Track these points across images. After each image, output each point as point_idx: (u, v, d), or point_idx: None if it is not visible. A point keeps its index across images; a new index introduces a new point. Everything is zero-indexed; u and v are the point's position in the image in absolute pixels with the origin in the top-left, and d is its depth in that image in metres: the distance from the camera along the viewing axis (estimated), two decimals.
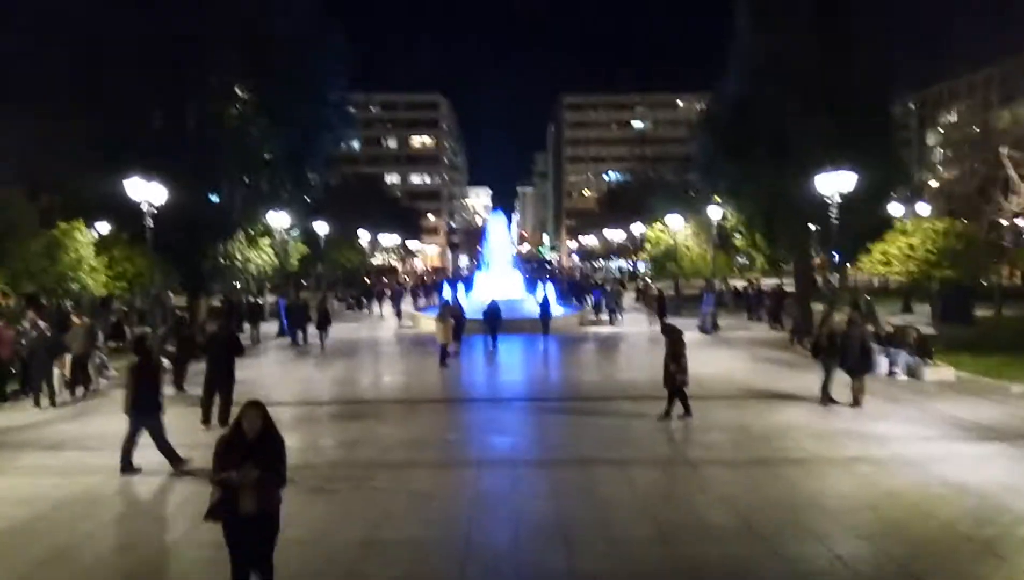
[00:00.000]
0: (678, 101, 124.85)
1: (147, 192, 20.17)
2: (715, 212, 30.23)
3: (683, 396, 13.24)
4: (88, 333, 16.46)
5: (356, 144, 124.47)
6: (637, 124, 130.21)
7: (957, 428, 12.40)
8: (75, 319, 16.59)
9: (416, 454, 11.21)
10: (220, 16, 27.91)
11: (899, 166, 30.21)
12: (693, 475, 9.92)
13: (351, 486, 9.59)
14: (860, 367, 14.17)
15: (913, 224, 21.11)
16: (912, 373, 17.62)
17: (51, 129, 22.36)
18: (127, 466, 10.24)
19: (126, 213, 21.70)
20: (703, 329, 28.81)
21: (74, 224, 19.49)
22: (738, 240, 31.21)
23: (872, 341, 14.59)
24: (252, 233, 31.28)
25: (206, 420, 12.99)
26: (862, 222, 25.23)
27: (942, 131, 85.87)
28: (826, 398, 14.51)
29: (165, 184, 23.55)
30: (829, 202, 20.56)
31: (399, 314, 34.67)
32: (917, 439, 11.71)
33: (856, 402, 14.20)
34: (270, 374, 19.79)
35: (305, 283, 52.26)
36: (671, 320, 30.24)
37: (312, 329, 27.08)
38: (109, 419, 12.80)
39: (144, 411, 10.25)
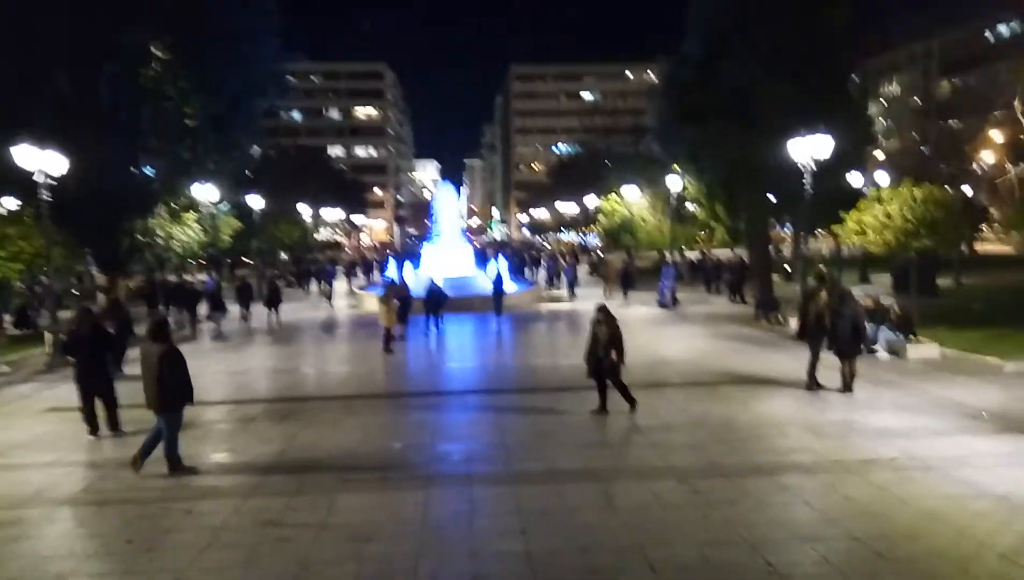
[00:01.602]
0: (628, 72, 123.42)
1: (41, 161, 17.53)
2: (674, 181, 28.75)
3: (623, 386, 11.63)
4: None
5: (296, 114, 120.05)
6: (587, 95, 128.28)
7: (963, 417, 11.08)
8: None
9: (350, 470, 9.29)
10: None
11: (865, 132, 29.19)
12: (685, 491, 8.26)
13: (257, 526, 7.62)
14: (852, 348, 12.77)
15: (889, 191, 19.85)
16: (894, 351, 16.44)
17: None
18: (180, 466, 9.15)
19: (29, 187, 19.00)
20: (662, 303, 27.47)
21: None
22: (698, 211, 29.86)
23: (863, 319, 13.14)
24: (175, 207, 28.51)
25: (94, 430, 10.85)
26: (828, 190, 24.09)
27: (884, 102, 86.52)
28: (813, 383, 13.11)
29: (72, 153, 20.87)
30: (803, 169, 19.12)
31: (328, 295, 31.90)
32: (925, 433, 10.32)
33: (847, 387, 12.84)
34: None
35: (246, 260, 49.33)
36: (623, 303, 28.98)
37: (259, 308, 25.84)
38: None
39: (178, 406, 9.12)
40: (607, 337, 11.43)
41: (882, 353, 16.41)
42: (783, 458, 9.38)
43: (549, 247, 63.14)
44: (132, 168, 26.72)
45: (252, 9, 28.94)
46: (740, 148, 26.17)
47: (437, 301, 21.94)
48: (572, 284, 31.42)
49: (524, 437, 10.60)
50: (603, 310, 11.71)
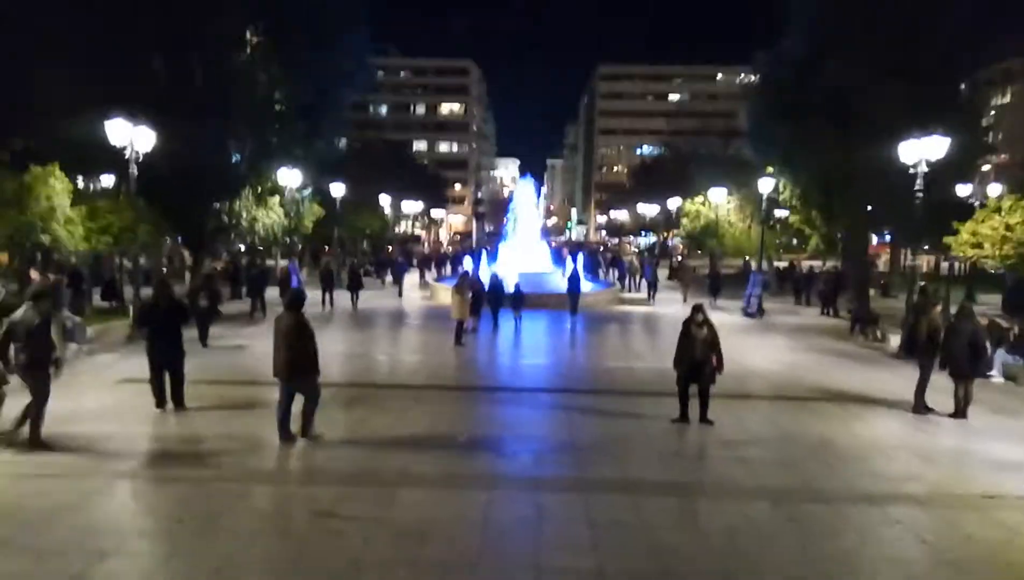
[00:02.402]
0: (718, 74, 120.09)
1: (132, 136, 17.84)
2: (766, 183, 27.29)
3: (708, 396, 10.70)
4: (53, 292, 14.16)
5: (383, 109, 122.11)
6: (674, 97, 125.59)
7: None
8: (34, 275, 14.33)
9: (412, 463, 8.76)
10: None
11: (978, 141, 27.08)
12: (779, 516, 7.36)
13: (311, 516, 7.15)
14: (969, 370, 11.45)
15: (1012, 201, 18.09)
16: (1010, 376, 14.86)
17: (33, 67, 20.04)
18: (287, 434, 9.27)
19: (124, 166, 19.44)
20: (748, 312, 26.09)
21: (49, 168, 17.18)
22: (791, 216, 28.32)
23: (984, 338, 11.78)
24: (260, 190, 28.91)
25: (160, 403, 10.71)
26: (936, 201, 22.34)
27: (994, 114, 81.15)
28: (922, 404, 11.85)
29: (164, 133, 21.30)
30: (915, 173, 17.58)
31: (400, 290, 31.12)
32: None
33: (960, 412, 11.52)
34: (264, 349, 17.43)
35: (328, 248, 50.09)
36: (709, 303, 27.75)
37: (340, 294, 26.31)
38: (68, 394, 10.61)
39: (307, 374, 9.21)
40: (709, 340, 10.54)
41: (997, 377, 14.85)
42: (892, 486, 8.33)
43: (614, 250, 61.83)
44: (221, 150, 27.16)
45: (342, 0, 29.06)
46: (840, 151, 24.69)
47: (497, 296, 21.10)
48: (652, 286, 30.28)
49: (597, 441, 9.85)
50: (702, 310, 10.82)
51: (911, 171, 18.08)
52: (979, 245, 17.73)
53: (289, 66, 27.95)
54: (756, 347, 18.78)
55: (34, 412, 8.84)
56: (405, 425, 10.42)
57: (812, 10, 25.35)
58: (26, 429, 8.92)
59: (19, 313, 8.87)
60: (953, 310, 13.16)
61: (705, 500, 7.72)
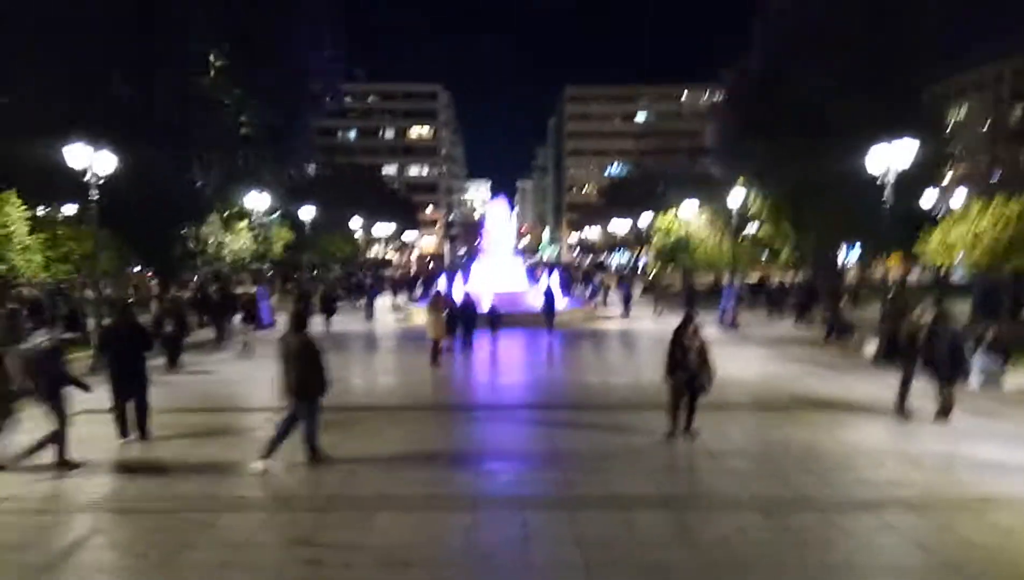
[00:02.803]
0: (683, 93, 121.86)
1: (92, 160, 17.32)
2: (736, 196, 27.44)
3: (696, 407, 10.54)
4: (8, 323, 13.62)
5: (352, 134, 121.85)
6: (641, 116, 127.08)
7: None
8: None
9: (390, 484, 8.41)
10: None
11: (942, 148, 27.55)
12: (773, 526, 7.13)
13: (284, 545, 6.78)
14: (951, 373, 11.39)
15: (979, 206, 18.30)
16: (989, 378, 14.86)
17: None
18: (320, 455, 9.21)
19: (85, 192, 18.89)
20: (722, 322, 26.08)
21: (4, 194, 16.60)
22: (761, 230, 28.49)
23: (964, 340, 11.76)
24: (227, 214, 28.42)
25: (124, 433, 10.22)
26: (902, 211, 22.57)
27: (953, 127, 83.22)
28: (904, 410, 11.76)
29: (126, 157, 20.79)
30: (883, 181, 17.69)
31: (369, 315, 29.86)
32: None
33: (944, 415, 11.45)
34: (235, 373, 16.94)
35: (297, 274, 49.42)
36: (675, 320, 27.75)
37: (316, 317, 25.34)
38: (26, 428, 10.04)
39: (315, 397, 9.09)
40: (702, 351, 10.33)
41: (974, 380, 14.86)
42: (882, 492, 8.15)
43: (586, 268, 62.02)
44: (186, 175, 26.70)
45: (310, 21, 28.90)
46: (808, 163, 24.95)
47: (470, 317, 20.63)
48: (627, 302, 30.25)
49: (581, 456, 9.57)
50: (694, 319, 10.64)
51: (878, 181, 18.22)
52: (949, 250, 17.87)
53: (255, 89, 27.69)
54: (733, 358, 18.65)
55: (61, 437, 9.06)
56: (381, 447, 10.05)
57: (777, 26, 25.72)
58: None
59: (29, 343, 9.20)
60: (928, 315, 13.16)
61: (696, 513, 7.47)
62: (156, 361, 17.10)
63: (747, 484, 8.44)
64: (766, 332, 25.06)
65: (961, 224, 17.73)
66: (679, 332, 10.50)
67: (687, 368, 10.26)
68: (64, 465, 8.98)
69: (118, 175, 21.55)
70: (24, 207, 17.01)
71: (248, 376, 16.67)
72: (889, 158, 17.53)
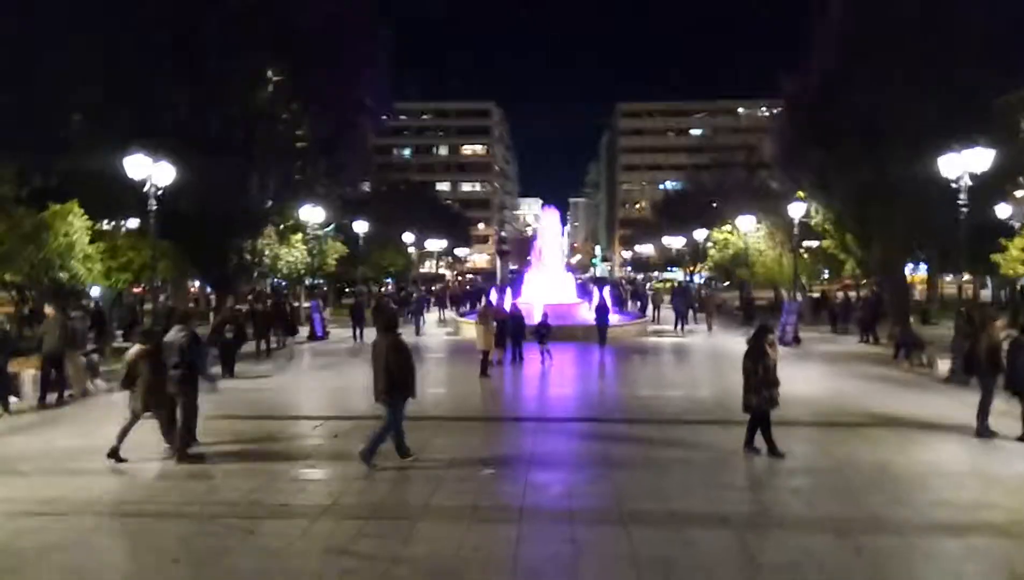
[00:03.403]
0: (739, 108, 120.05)
1: (152, 171, 17.68)
2: (797, 208, 26.53)
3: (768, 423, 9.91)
4: (62, 327, 13.83)
5: (407, 152, 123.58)
6: (695, 132, 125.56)
7: None
8: (48, 311, 14.01)
9: (436, 494, 8.08)
10: None
11: (1017, 158, 26.10)
12: (846, 549, 6.54)
13: (323, 554, 6.50)
14: None
15: None
16: None
17: (54, 103, 20.13)
18: (407, 452, 9.37)
19: (141, 202, 19.29)
20: (783, 341, 25.09)
21: (67, 205, 17.04)
22: (825, 241, 27.44)
23: None
24: (283, 227, 28.75)
25: (172, 440, 10.14)
26: (977, 222, 21.39)
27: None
28: (985, 429, 10.91)
29: (187, 169, 21.25)
30: (956, 186, 16.75)
31: (417, 328, 29.61)
32: None
33: None
34: (288, 383, 16.93)
35: (352, 288, 49.96)
36: (735, 335, 26.99)
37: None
38: (79, 432, 10.16)
39: (402, 396, 9.28)
40: (771, 363, 9.82)
41: None
42: (967, 515, 7.47)
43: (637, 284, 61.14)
44: (243, 188, 27.10)
45: (363, 37, 29.13)
46: (874, 172, 23.91)
47: (520, 327, 20.26)
48: (681, 317, 29.52)
49: (635, 471, 9.10)
50: (771, 329, 10.18)
51: (953, 185, 17.26)
52: None
53: (310, 103, 28.01)
54: (796, 374, 17.78)
55: (184, 427, 9.60)
56: (426, 456, 9.75)
57: (837, 29, 24.83)
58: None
59: (170, 334, 9.82)
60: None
61: (760, 533, 6.93)
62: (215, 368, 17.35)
63: (815, 503, 7.85)
64: (830, 348, 24.04)
65: None
66: (757, 346, 9.92)
67: (770, 384, 9.66)
68: (184, 457, 9.39)
69: (176, 188, 22.05)
70: (86, 217, 17.40)
71: (297, 385, 16.69)
72: (964, 163, 16.58)
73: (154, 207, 17.73)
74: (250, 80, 26.47)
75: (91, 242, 17.64)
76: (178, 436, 9.58)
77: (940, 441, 10.81)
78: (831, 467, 9.34)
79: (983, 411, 10.99)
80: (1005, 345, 11.17)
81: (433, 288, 53.86)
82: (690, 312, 31.58)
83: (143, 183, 17.89)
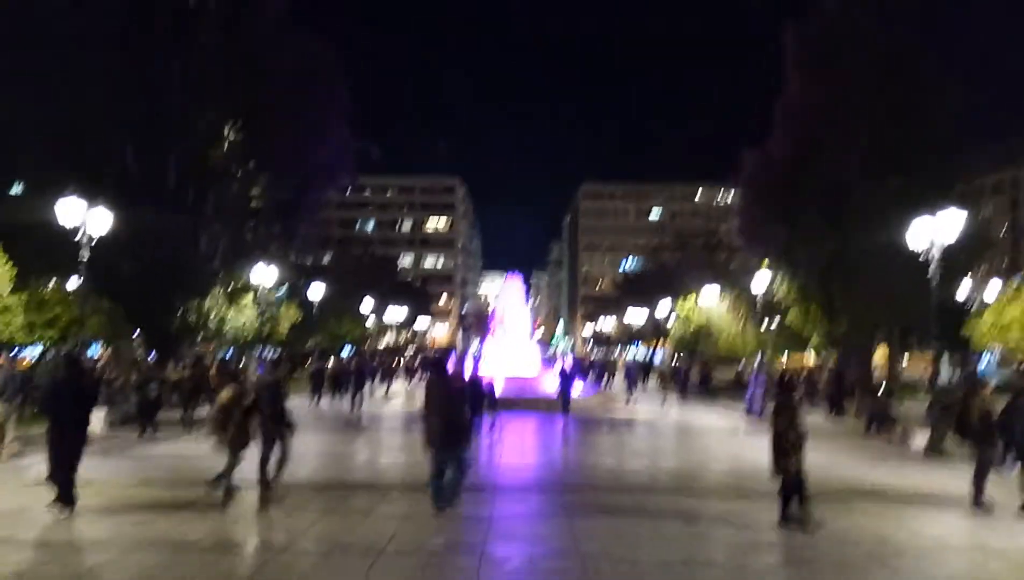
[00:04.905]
0: (698, 190, 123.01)
1: (85, 217, 16.46)
2: (762, 278, 26.20)
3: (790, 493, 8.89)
4: None
5: (370, 225, 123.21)
6: (655, 213, 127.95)
7: None
8: None
9: (371, 570, 6.80)
10: (209, 49, 25.13)
11: (983, 233, 26.40)
12: None
13: None
14: None
15: None
16: None
17: None
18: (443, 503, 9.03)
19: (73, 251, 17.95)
20: (750, 410, 24.25)
21: None
22: (789, 315, 27.06)
23: None
24: (232, 287, 27.34)
25: (68, 501, 8.71)
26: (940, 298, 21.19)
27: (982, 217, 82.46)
28: (981, 499, 10.02)
29: (131, 222, 20.15)
30: (926, 259, 16.37)
31: (352, 404, 23.93)
32: None
33: None
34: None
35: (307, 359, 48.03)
36: (698, 407, 26.27)
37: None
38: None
39: (467, 440, 9.29)
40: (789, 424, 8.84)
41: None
42: None
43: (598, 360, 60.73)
44: (192, 246, 25.89)
45: (325, 96, 28.73)
46: (837, 246, 23.85)
47: (476, 396, 18.87)
48: (631, 387, 29.03)
49: (606, 545, 7.92)
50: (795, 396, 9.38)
51: (921, 258, 16.91)
52: (1006, 329, 16.37)
53: (266, 163, 27.26)
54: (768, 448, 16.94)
55: (266, 460, 9.65)
56: (368, 527, 8.47)
57: (797, 109, 25.18)
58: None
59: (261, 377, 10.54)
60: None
61: None
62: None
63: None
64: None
65: (1016, 304, 16.29)
66: (787, 404, 9.00)
67: (798, 453, 8.68)
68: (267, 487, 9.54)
69: (121, 244, 20.78)
70: (10, 264, 15.97)
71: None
72: (934, 231, 16.29)
73: (86, 257, 16.43)
74: (207, 136, 25.70)
75: (13, 291, 16.14)
76: (275, 473, 9.75)
77: (936, 514, 9.91)
78: (827, 541, 8.28)
79: (979, 481, 10.12)
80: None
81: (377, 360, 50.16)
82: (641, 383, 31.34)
83: (76, 232, 16.64)
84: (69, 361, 9.91)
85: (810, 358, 36.62)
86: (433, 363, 10.13)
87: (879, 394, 22.81)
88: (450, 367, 20.94)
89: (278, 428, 9.89)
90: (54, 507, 8.70)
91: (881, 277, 23.03)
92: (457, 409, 9.17)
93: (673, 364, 38.94)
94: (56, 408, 8.88)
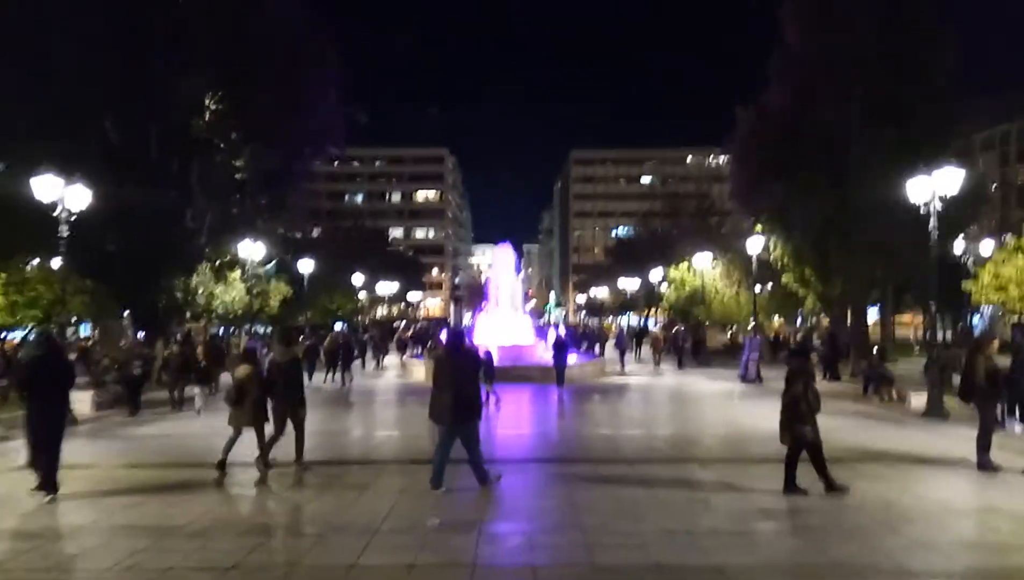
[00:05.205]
0: (688, 156, 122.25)
1: (62, 193, 15.92)
2: (755, 242, 25.91)
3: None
4: None
5: (359, 197, 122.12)
6: (646, 179, 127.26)
7: None
8: None
9: (366, 550, 6.56)
10: (190, 14, 24.36)
11: (980, 190, 26.12)
12: None
13: None
14: None
15: None
16: None
17: None
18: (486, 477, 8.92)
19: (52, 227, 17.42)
20: (745, 377, 24.17)
21: None
22: (784, 276, 26.84)
23: None
24: (219, 264, 26.89)
25: (48, 485, 8.44)
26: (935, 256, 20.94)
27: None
28: (987, 461, 9.86)
29: (114, 198, 19.62)
30: (926, 212, 16.05)
31: (343, 379, 23.65)
32: None
33: None
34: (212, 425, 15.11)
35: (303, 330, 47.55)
36: (692, 373, 26.24)
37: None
38: None
39: (465, 417, 8.76)
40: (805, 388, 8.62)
41: None
42: (1006, 559, 6.27)
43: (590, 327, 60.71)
44: (177, 221, 25.36)
45: (312, 63, 27.98)
46: (835, 203, 23.50)
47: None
48: (622, 355, 29.07)
49: (607, 517, 7.71)
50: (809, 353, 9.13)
51: (922, 210, 16.56)
52: (1003, 287, 16.16)
53: (251, 134, 26.60)
54: (767, 412, 16.75)
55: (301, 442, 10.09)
56: (365, 505, 8.23)
57: (794, 59, 24.66)
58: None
59: (276, 355, 10.63)
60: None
61: None
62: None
63: (826, 548, 6.58)
64: None
65: (1014, 260, 16.05)
66: (802, 368, 8.81)
67: (812, 419, 8.51)
68: (268, 466, 9.64)
69: (104, 220, 20.25)
70: None
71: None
72: (933, 185, 15.93)
73: (65, 234, 15.92)
74: (188, 108, 25.02)
75: None
76: (297, 451, 10.01)
77: (940, 476, 9.74)
78: (832, 507, 8.10)
79: (984, 442, 9.95)
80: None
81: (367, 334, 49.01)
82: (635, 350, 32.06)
83: (54, 207, 16.12)
84: (44, 339, 9.54)
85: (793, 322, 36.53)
86: (452, 336, 9.74)
87: (873, 354, 22.80)
88: (444, 338, 20.84)
89: (293, 408, 9.92)
90: (37, 493, 8.44)
91: (878, 233, 22.77)
92: (472, 383, 8.95)
93: (666, 331, 38.85)
94: (32, 388, 8.56)
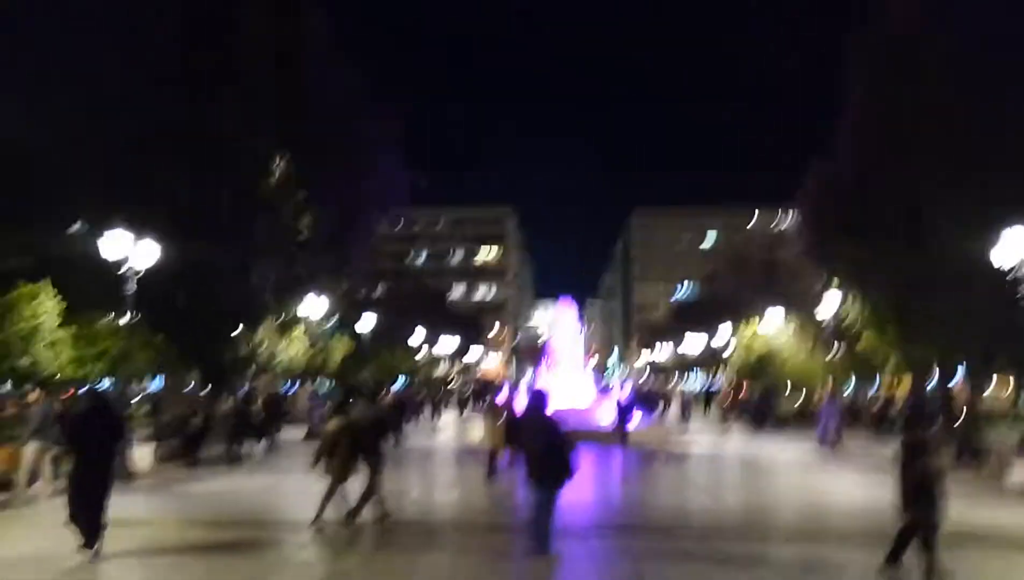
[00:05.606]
0: (754, 213, 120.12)
1: (130, 249, 16.29)
2: (832, 298, 24.68)
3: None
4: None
5: (422, 257, 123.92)
6: (710, 239, 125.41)
7: None
8: (32, 397, 12.47)
9: None
10: (259, 78, 25.25)
11: None
12: None
13: None
14: None
15: None
16: None
17: (42, 179, 19.17)
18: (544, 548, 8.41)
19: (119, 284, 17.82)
20: (823, 441, 22.75)
21: (39, 285, 15.54)
22: (865, 338, 25.38)
23: None
24: (283, 320, 27.15)
25: (89, 543, 8.16)
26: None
27: None
28: None
29: (183, 255, 20.07)
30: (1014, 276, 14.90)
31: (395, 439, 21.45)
32: None
33: None
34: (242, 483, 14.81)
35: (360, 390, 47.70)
36: (763, 441, 24.87)
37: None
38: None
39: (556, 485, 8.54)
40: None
41: None
42: None
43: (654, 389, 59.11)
44: (243, 278, 25.79)
45: (375, 127, 28.64)
46: (916, 261, 22.29)
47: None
48: (685, 415, 27.98)
49: None
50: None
51: (1009, 277, 15.45)
52: None
53: (315, 195, 27.14)
54: (851, 483, 15.62)
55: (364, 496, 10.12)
56: (417, 573, 7.67)
57: (870, 114, 23.82)
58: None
59: (360, 411, 11.08)
60: None
61: None
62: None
63: None
64: (878, 452, 21.60)
65: None
66: (918, 442, 8.02)
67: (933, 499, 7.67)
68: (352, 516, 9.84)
69: (171, 273, 20.69)
70: (57, 297, 15.82)
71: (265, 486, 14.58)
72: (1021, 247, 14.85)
73: (132, 290, 16.21)
74: (257, 165, 25.72)
75: (62, 325, 16.00)
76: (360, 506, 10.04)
77: None
78: None
79: None
80: None
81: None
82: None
83: (121, 264, 16.50)
84: (94, 394, 9.45)
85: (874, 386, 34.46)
86: (535, 397, 9.62)
87: (963, 422, 21.23)
88: (502, 398, 20.23)
89: (374, 462, 10.13)
90: (85, 550, 8.18)
91: (963, 296, 21.45)
92: (563, 444, 8.74)
93: (735, 392, 37.31)
94: (80, 443, 8.40)
